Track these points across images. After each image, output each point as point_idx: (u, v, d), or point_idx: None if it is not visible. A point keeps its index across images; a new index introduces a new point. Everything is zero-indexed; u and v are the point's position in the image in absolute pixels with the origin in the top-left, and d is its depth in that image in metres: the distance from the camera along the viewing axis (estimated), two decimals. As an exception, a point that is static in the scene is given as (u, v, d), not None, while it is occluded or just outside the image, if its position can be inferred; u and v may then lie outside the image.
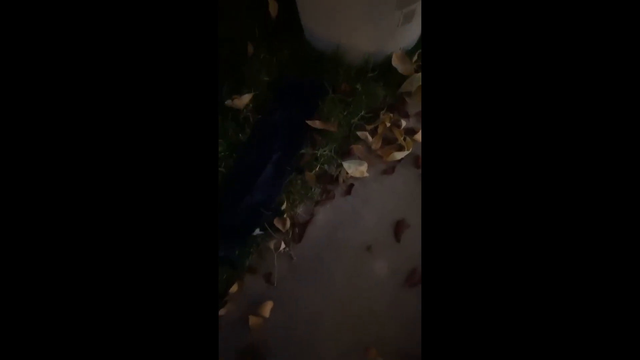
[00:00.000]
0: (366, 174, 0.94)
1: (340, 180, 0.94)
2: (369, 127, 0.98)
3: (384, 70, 1.03)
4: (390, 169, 0.95)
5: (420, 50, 1.02)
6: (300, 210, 0.92)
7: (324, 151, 0.96)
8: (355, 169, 0.94)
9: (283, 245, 0.88)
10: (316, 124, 0.97)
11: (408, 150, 0.94)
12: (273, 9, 1.10)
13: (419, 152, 0.95)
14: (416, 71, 1.00)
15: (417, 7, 0.87)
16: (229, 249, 0.86)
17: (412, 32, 0.99)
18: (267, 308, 0.82)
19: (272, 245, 0.88)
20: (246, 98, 1.02)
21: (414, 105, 1.00)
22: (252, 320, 0.82)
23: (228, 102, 1.01)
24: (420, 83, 0.98)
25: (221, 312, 0.83)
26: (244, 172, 0.94)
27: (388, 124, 0.98)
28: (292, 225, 0.90)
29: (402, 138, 0.96)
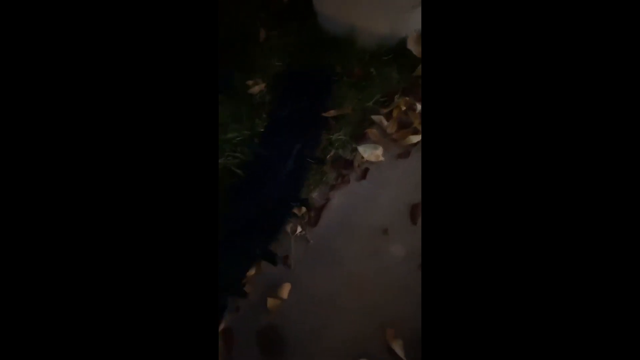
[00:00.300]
0: (381, 158, 0.94)
1: (356, 164, 0.94)
2: (384, 111, 0.98)
3: (398, 53, 1.02)
4: (405, 153, 0.95)
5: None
6: (315, 194, 0.92)
7: (339, 135, 0.96)
8: (370, 153, 0.93)
9: (299, 229, 0.89)
10: (331, 113, 0.97)
11: (423, 133, 0.94)
12: (285, -7, 1.09)
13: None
14: (431, 54, 0.98)
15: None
16: (264, 244, 0.87)
17: (427, 13, 0.98)
18: (286, 290, 0.83)
19: (288, 228, 0.89)
20: (260, 84, 1.02)
21: (429, 89, 0.99)
22: (270, 302, 0.83)
23: (249, 83, 1.02)
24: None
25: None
26: (267, 165, 0.94)
27: (403, 108, 0.97)
28: (308, 209, 0.91)
29: (417, 121, 0.95)
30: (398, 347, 0.76)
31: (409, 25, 0.98)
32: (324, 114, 0.96)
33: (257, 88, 1.04)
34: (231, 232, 0.88)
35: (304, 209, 0.91)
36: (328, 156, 0.95)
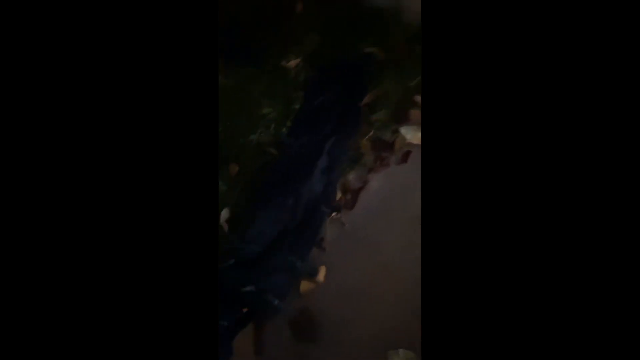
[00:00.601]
0: (423, 141, 0.89)
1: (396, 147, 0.89)
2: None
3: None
4: (449, 137, 0.89)
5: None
6: (352, 176, 0.89)
7: (379, 116, 0.91)
8: (412, 135, 0.88)
9: (334, 212, 0.86)
10: (369, 98, 0.91)
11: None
12: (326, -39, 1.02)
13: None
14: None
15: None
16: (301, 257, 0.82)
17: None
18: (322, 273, 0.81)
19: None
20: (296, 59, 0.98)
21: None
22: (304, 285, 0.81)
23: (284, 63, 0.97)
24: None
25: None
26: (298, 164, 0.88)
27: (449, 89, 0.91)
28: (344, 192, 0.87)
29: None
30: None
31: None
32: (362, 102, 0.91)
33: (293, 62, 1.00)
34: (263, 213, 0.86)
35: (339, 193, 0.87)
36: (366, 137, 0.90)
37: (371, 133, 0.90)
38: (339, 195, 0.87)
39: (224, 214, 0.93)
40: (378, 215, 0.85)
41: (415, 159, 0.88)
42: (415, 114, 0.91)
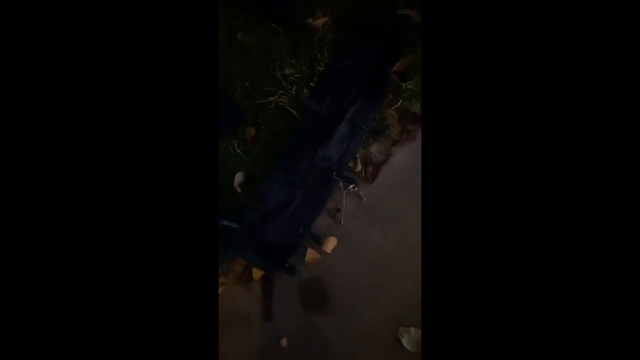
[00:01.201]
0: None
1: (425, 119, 0.83)
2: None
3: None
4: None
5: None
6: (374, 148, 0.84)
7: (409, 85, 0.84)
8: (444, 108, 0.82)
9: (352, 185, 0.82)
10: (399, 66, 0.83)
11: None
12: None
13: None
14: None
15: None
16: (307, 224, 0.80)
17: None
18: (330, 245, 0.78)
19: (340, 184, 0.82)
20: (323, 18, 0.90)
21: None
22: (310, 254, 0.79)
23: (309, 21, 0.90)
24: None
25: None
26: (316, 128, 0.83)
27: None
28: (365, 164, 0.83)
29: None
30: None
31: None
32: (392, 69, 0.83)
33: (320, 21, 0.92)
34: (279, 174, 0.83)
35: (359, 165, 0.83)
36: (393, 107, 0.84)
37: (399, 103, 0.84)
38: (359, 167, 0.83)
39: (238, 177, 0.90)
40: (399, 191, 0.80)
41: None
42: (449, 85, 0.84)
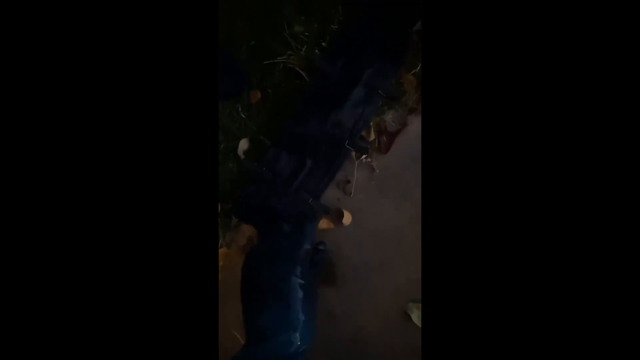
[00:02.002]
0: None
1: (446, 86, 0.77)
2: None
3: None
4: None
5: None
6: (389, 116, 0.78)
7: (430, 47, 0.77)
8: (468, 74, 0.76)
9: (364, 155, 0.77)
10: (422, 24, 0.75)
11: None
12: None
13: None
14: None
15: None
16: (316, 194, 0.76)
17: None
18: (347, 218, 0.75)
19: (353, 153, 0.77)
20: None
21: None
22: (323, 223, 0.76)
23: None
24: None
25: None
26: (328, 92, 0.76)
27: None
28: (379, 133, 0.77)
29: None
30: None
31: None
32: (413, 29, 0.75)
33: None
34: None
35: (373, 134, 0.77)
36: (412, 72, 0.77)
37: (419, 67, 0.77)
38: (372, 136, 0.77)
39: (243, 144, 0.85)
40: (414, 163, 0.75)
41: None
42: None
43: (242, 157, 0.84)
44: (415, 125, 0.77)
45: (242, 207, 0.80)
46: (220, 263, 0.82)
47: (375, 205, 0.75)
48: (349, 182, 0.77)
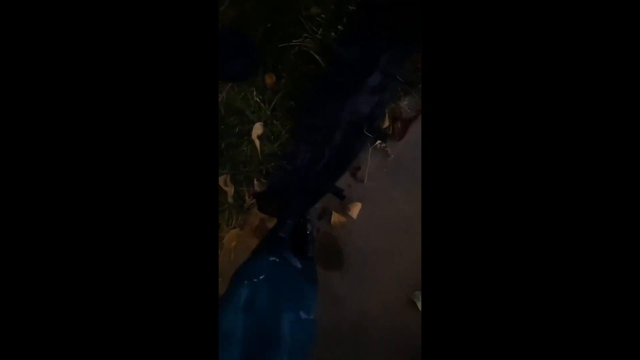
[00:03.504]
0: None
1: (465, 72, 0.74)
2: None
3: None
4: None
5: None
6: (405, 102, 0.76)
7: (451, 31, 0.75)
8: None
9: (378, 141, 0.76)
10: None
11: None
12: None
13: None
14: None
15: None
16: (331, 179, 0.76)
17: None
18: (356, 210, 0.75)
19: (366, 140, 0.77)
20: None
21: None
22: (335, 217, 0.76)
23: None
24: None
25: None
26: (343, 77, 0.75)
27: None
28: (394, 119, 0.76)
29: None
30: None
31: None
32: None
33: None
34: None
35: (387, 120, 0.76)
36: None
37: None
38: (386, 122, 0.76)
39: (257, 128, 0.85)
40: (429, 151, 0.75)
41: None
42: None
43: (257, 141, 0.85)
44: (431, 112, 0.75)
45: (259, 196, 0.81)
46: (233, 243, 0.85)
47: (386, 193, 0.75)
48: (359, 168, 0.77)
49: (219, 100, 0.87)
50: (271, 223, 0.83)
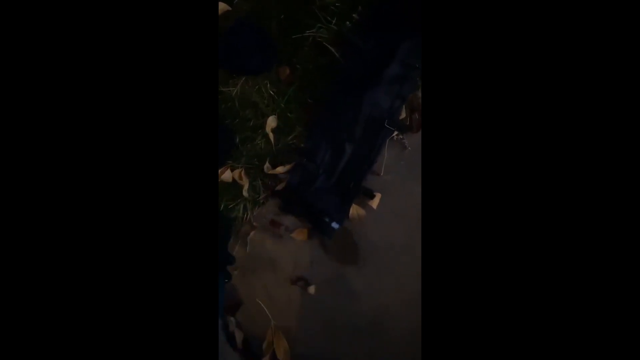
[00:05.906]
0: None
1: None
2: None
3: None
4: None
5: None
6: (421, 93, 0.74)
7: (471, 17, 0.72)
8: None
9: (396, 132, 0.74)
10: None
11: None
12: None
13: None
14: None
15: None
16: (356, 179, 0.74)
17: None
18: (376, 201, 0.74)
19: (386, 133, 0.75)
20: None
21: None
22: (354, 210, 0.75)
23: None
24: None
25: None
26: (362, 70, 0.73)
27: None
28: (411, 110, 0.74)
29: None
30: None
31: None
32: None
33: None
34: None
35: (405, 111, 0.74)
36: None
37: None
38: (403, 113, 0.74)
39: (271, 121, 0.84)
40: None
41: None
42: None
43: (271, 135, 0.84)
44: (450, 102, 0.73)
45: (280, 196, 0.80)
46: (252, 232, 0.84)
47: (403, 186, 0.74)
48: (374, 161, 0.75)
49: (233, 94, 0.86)
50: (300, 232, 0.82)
